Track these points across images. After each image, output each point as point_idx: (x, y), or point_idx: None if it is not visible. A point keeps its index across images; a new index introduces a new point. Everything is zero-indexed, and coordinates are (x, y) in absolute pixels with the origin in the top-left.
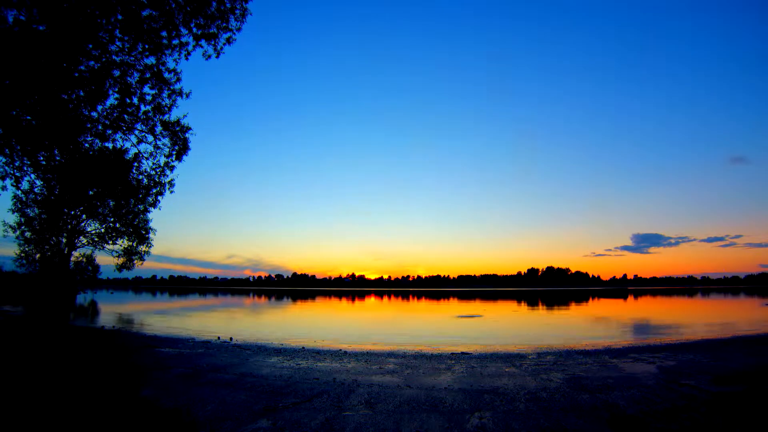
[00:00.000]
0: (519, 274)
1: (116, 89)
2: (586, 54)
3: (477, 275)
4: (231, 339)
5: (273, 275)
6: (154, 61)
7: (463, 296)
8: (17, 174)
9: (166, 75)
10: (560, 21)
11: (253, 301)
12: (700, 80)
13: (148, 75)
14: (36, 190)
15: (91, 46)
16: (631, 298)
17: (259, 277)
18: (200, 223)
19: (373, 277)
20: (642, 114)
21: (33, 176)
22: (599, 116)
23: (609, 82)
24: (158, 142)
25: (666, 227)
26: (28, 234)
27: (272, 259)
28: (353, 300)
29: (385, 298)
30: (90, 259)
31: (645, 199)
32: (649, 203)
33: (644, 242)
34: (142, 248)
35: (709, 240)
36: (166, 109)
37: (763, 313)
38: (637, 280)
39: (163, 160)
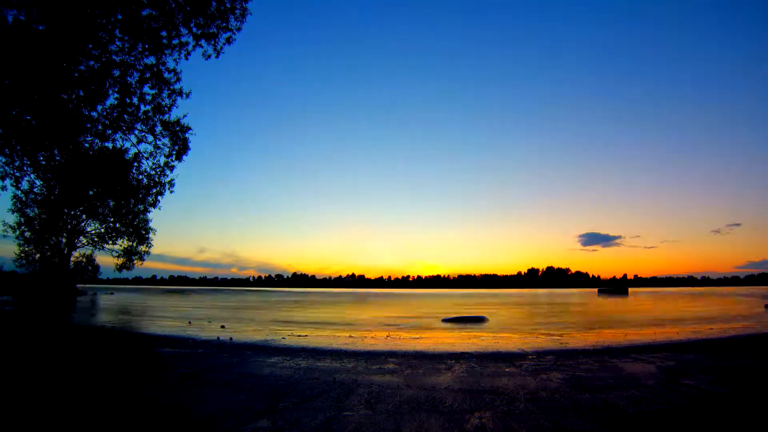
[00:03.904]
0: (519, 274)
1: (116, 89)
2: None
3: (477, 275)
4: (231, 339)
5: (273, 275)
6: (154, 61)
7: (464, 296)
8: (17, 174)
9: (166, 75)
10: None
11: (254, 302)
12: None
13: (148, 75)
14: (36, 190)
15: (91, 46)
16: (631, 298)
17: (259, 277)
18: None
19: (373, 276)
20: (643, 107)
21: (33, 176)
22: (599, 106)
23: (614, 64)
24: (158, 142)
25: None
26: (28, 234)
27: (252, 254)
28: (353, 301)
29: (385, 299)
30: (90, 259)
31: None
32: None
33: (594, 240)
34: (142, 248)
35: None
36: (166, 109)
37: (763, 313)
38: (637, 280)
39: (163, 160)
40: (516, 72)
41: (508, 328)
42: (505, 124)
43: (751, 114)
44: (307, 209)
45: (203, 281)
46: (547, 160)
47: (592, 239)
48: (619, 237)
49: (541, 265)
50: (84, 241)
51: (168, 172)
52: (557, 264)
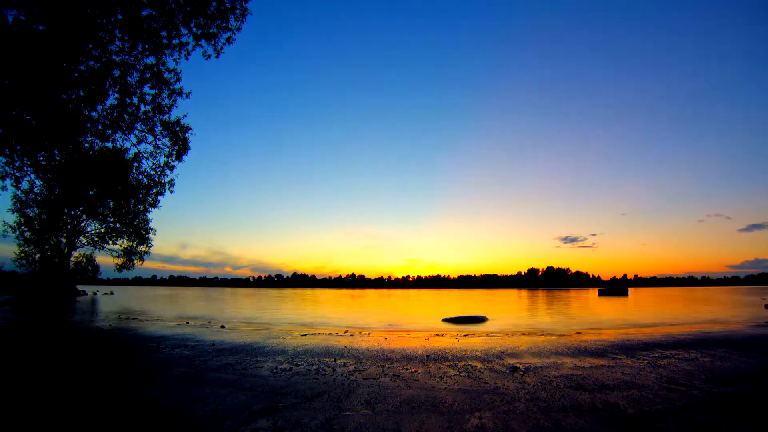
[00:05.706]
0: (519, 274)
1: (116, 89)
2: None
3: (477, 275)
4: (231, 339)
5: (273, 275)
6: (154, 61)
7: (464, 296)
8: (17, 174)
9: (166, 75)
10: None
11: (254, 302)
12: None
13: (148, 75)
14: (36, 190)
15: (91, 46)
16: (631, 298)
17: (259, 277)
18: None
19: (373, 277)
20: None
21: (33, 176)
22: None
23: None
24: (158, 142)
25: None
26: (28, 234)
27: (243, 252)
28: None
29: (385, 299)
30: (90, 259)
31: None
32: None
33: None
34: (142, 248)
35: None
36: (166, 109)
37: (764, 314)
38: (638, 280)
39: (163, 159)
40: (517, 73)
41: (507, 327)
42: (495, 123)
43: (747, 111)
44: (302, 207)
45: (203, 281)
46: (544, 159)
47: (573, 239)
48: (602, 233)
49: (541, 265)
50: (84, 241)
51: (168, 172)
52: (556, 264)
